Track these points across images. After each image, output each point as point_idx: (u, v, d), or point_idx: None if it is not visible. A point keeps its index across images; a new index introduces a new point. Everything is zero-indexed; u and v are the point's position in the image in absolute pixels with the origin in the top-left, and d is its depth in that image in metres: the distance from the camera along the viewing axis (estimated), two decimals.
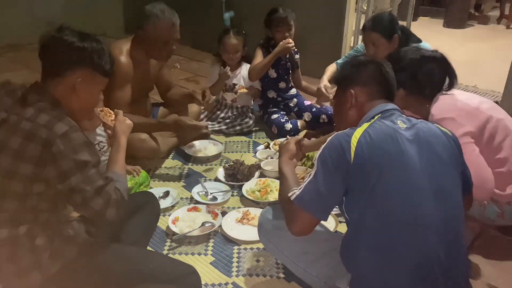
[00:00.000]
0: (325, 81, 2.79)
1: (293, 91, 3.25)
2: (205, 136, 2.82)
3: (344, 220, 1.96)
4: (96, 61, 1.35)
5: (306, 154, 2.54)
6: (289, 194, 1.33)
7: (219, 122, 3.05)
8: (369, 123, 1.29)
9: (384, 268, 1.22)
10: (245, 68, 3.06)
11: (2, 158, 1.21)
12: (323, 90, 2.72)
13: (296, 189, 1.33)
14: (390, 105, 1.39)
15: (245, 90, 3.01)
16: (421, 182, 1.22)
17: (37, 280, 1.24)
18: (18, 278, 1.23)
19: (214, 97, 2.73)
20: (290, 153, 1.59)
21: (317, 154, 1.31)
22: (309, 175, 1.31)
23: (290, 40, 2.89)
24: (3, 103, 1.28)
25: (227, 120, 3.05)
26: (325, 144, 1.30)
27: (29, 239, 1.24)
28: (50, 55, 1.34)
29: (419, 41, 2.54)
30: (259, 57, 3.01)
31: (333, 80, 1.56)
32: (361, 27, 3.85)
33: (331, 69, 2.92)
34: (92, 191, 1.24)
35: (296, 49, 3.14)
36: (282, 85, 3.14)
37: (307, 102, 3.17)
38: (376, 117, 1.34)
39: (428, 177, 1.23)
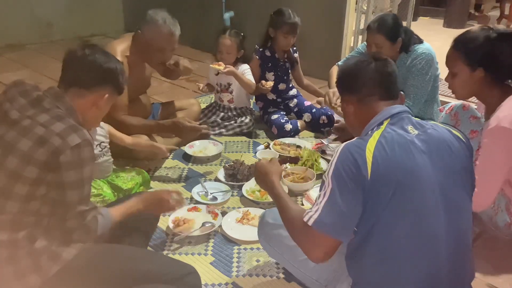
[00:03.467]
0: (334, 87, 2.75)
1: (294, 91, 3.25)
2: (205, 136, 2.83)
3: None
4: (120, 81, 1.48)
5: (307, 155, 2.54)
6: (305, 219, 1.19)
7: (218, 125, 3.03)
8: (380, 131, 1.22)
9: (389, 279, 1.20)
10: (240, 68, 2.99)
11: (9, 160, 1.21)
12: (330, 95, 2.64)
13: (311, 211, 1.19)
14: (399, 107, 1.30)
15: (221, 67, 2.81)
16: (433, 197, 1.18)
17: (36, 282, 1.24)
18: (16, 280, 1.23)
19: (190, 65, 2.74)
20: (279, 174, 1.49)
21: (328, 169, 1.21)
22: (323, 195, 1.19)
23: (269, 86, 2.93)
24: (16, 102, 1.28)
25: (226, 122, 3.04)
26: (336, 158, 1.20)
27: (29, 242, 1.24)
28: (82, 70, 1.39)
29: (421, 42, 2.53)
30: (254, 66, 3.03)
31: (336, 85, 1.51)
32: (361, 27, 3.88)
33: (336, 72, 2.90)
34: (76, 211, 1.26)
35: (295, 48, 3.14)
36: (282, 86, 3.14)
37: (307, 103, 3.16)
38: (385, 123, 1.26)
39: (440, 191, 1.19)
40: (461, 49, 1.70)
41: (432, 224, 1.18)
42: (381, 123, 1.27)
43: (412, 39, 2.51)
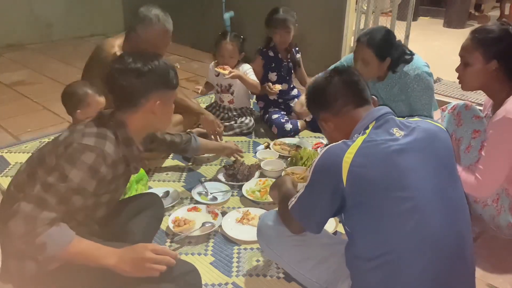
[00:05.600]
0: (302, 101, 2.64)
1: (295, 91, 3.26)
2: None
3: None
4: (165, 79, 1.39)
5: (307, 154, 2.54)
6: (289, 202, 1.37)
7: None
8: (363, 137, 1.23)
9: (390, 284, 1.19)
10: (241, 68, 3.01)
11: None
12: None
13: (294, 197, 1.35)
14: (382, 109, 1.31)
15: (226, 72, 2.83)
16: (427, 200, 1.18)
17: (32, 268, 1.24)
18: (15, 261, 1.26)
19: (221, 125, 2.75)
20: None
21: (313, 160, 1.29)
22: (303, 187, 1.31)
23: (276, 88, 2.96)
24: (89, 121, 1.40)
25: (226, 123, 3.04)
26: (318, 158, 1.26)
27: None
28: (121, 88, 1.36)
29: (411, 60, 2.33)
30: (257, 66, 3.05)
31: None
32: (361, 27, 3.88)
33: None
34: (36, 196, 1.20)
35: (297, 48, 3.15)
36: (284, 86, 3.14)
37: None
38: (370, 126, 1.27)
39: (436, 191, 1.19)
40: (479, 40, 1.72)
41: (430, 226, 1.17)
42: (367, 127, 1.27)
43: (401, 59, 2.31)
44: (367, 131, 1.25)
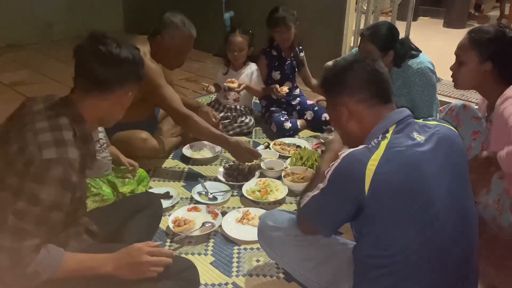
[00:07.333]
0: None
1: (297, 91, 3.28)
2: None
3: None
4: (141, 72, 1.36)
5: (307, 154, 2.54)
6: (301, 201, 1.35)
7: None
8: (386, 142, 1.16)
9: None
10: (249, 68, 3.07)
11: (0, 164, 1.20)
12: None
13: (307, 196, 1.31)
14: (403, 112, 1.25)
15: (235, 85, 2.90)
16: (444, 208, 1.16)
17: None
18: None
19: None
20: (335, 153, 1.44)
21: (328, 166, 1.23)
22: (317, 188, 1.25)
23: (284, 91, 2.99)
24: (36, 107, 1.27)
25: (226, 121, 3.04)
26: (337, 162, 1.19)
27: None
28: (102, 71, 1.26)
29: (417, 55, 2.44)
30: (262, 66, 3.10)
31: (320, 88, 1.42)
32: (361, 27, 3.88)
33: None
34: (13, 227, 1.10)
35: (301, 47, 3.16)
36: (287, 85, 3.15)
37: (309, 102, 3.19)
38: (390, 130, 1.20)
39: (450, 200, 1.17)
40: (475, 39, 1.72)
41: (444, 235, 1.16)
42: (387, 131, 1.21)
43: (407, 53, 2.40)
44: (388, 135, 1.19)
